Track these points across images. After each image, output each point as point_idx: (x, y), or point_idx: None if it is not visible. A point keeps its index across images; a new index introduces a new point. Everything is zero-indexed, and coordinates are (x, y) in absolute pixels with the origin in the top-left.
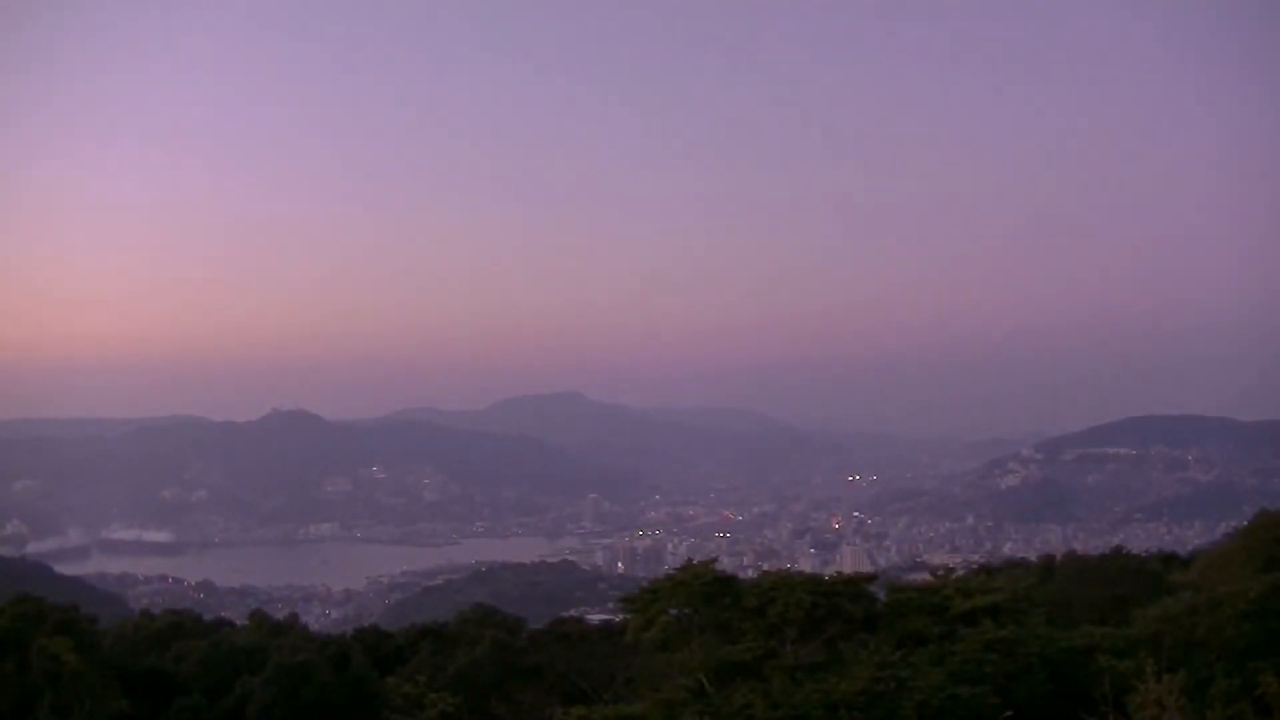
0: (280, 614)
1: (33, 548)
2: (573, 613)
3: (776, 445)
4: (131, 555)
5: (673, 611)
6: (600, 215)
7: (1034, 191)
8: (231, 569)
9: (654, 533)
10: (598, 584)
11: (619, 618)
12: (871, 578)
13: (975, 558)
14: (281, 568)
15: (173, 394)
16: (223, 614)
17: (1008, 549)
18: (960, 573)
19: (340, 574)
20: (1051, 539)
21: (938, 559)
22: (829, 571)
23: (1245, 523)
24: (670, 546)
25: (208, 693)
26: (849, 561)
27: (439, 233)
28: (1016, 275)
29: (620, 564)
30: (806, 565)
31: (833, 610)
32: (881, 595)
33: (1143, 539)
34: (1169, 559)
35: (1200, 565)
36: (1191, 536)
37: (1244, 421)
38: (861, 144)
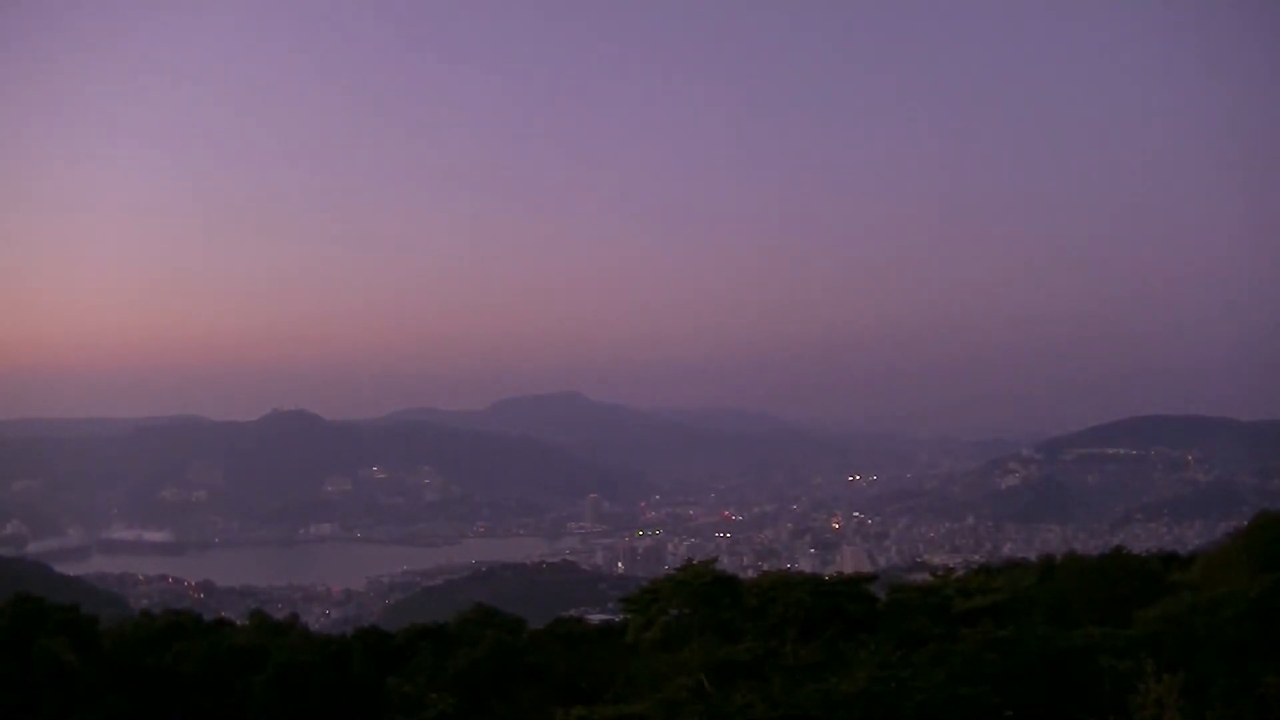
0: (280, 614)
1: (33, 548)
2: (573, 613)
3: (776, 445)
4: (131, 555)
5: (673, 611)
6: (600, 217)
7: (1035, 193)
8: (231, 569)
9: (654, 533)
10: (598, 584)
11: (619, 618)
12: (871, 578)
13: (975, 558)
14: (281, 568)
15: (173, 394)
16: (223, 614)
17: (1008, 549)
18: (960, 573)
19: (340, 574)
20: (1051, 539)
21: (938, 559)
22: (829, 571)
23: (1245, 523)
24: (670, 546)
25: (208, 693)
26: (849, 561)
27: (439, 234)
28: (1017, 276)
29: (620, 564)
30: (806, 565)
31: (833, 610)
32: (881, 595)
33: (1143, 539)
34: (1169, 559)
35: (1200, 565)
36: (1191, 536)
37: (1244, 421)
38: (864, 147)
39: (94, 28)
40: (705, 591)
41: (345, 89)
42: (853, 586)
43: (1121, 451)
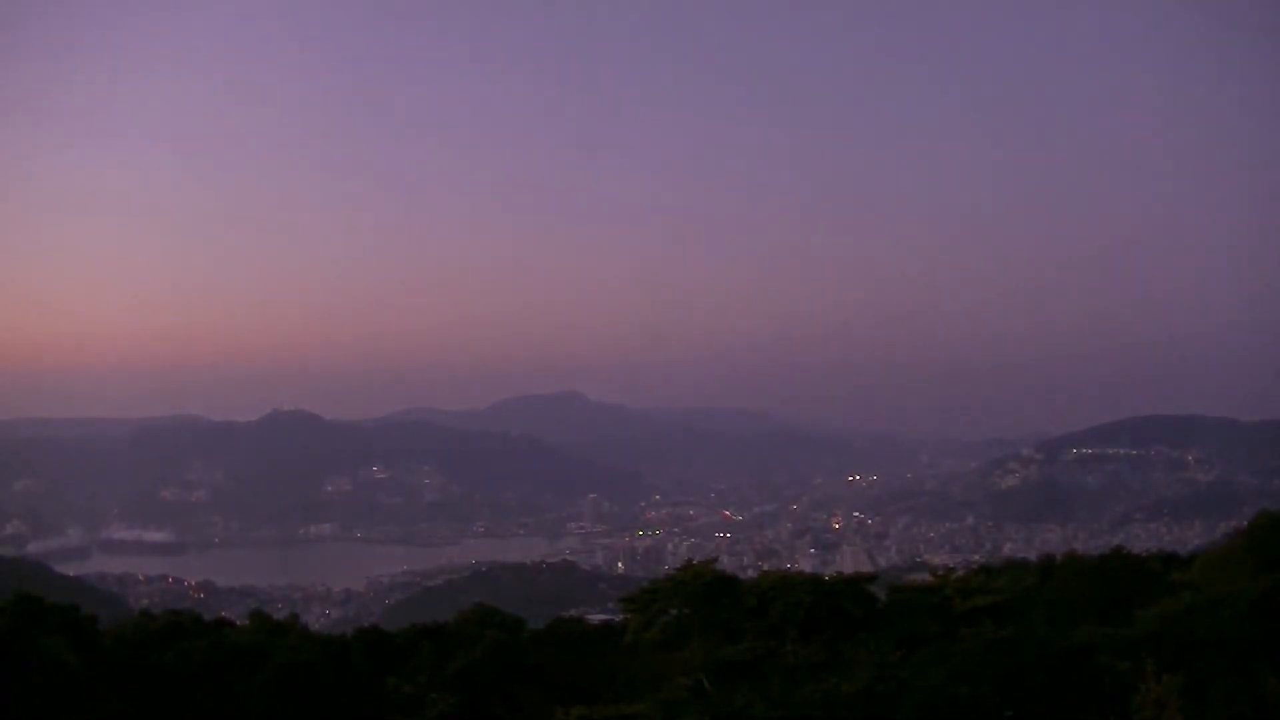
0: (280, 614)
1: (33, 548)
2: (573, 613)
3: (776, 445)
4: (131, 555)
5: (673, 611)
6: (600, 217)
7: (1035, 194)
8: (231, 569)
9: (654, 533)
10: (598, 584)
11: (619, 618)
12: (871, 578)
13: (975, 558)
14: (281, 568)
15: (173, 394)
16: (223, 614)
17: (1008, 549)
18: (960, 573)
19: (340, 574)
20: (1051, 539)
21: (938, 559)
22: (829, 571)
23: (1245, 523)
24: (670, 546)
25: (208, 693)
26: (849, 561)
27: (440, 234)
28: (1017, 276)
29: (620, 564)
30: (806, 565)
31: (833, 610)
32: (882, 595)
33: (1143, 539)
34: (1169, 559)
35: (1200, 565)
36: (1191, 536)
37: (1244, 422)
38: (864, 148)
39: (97, 27)
40: (705, 591)
41: (347, 92)
42: (853, 586)
43: (1121, 451)
